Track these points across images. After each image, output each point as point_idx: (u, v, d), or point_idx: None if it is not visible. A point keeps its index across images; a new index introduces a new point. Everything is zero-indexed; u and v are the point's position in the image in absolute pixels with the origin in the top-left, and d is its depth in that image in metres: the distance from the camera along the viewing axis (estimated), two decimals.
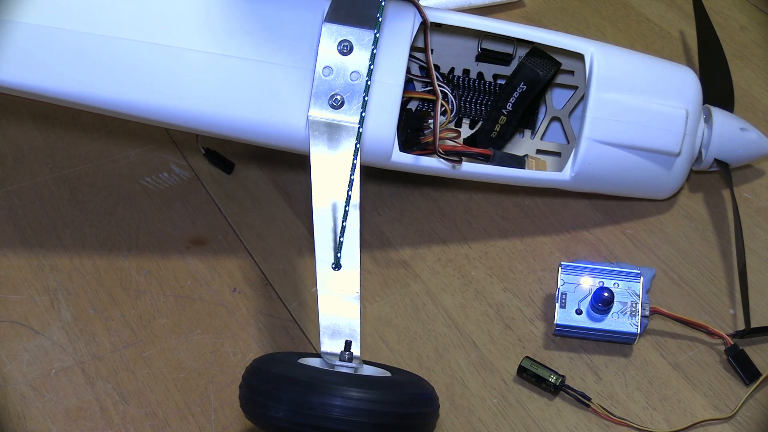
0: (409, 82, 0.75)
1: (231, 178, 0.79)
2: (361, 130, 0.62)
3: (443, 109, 0.73)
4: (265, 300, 0.71)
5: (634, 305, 0.67)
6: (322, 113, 0.65)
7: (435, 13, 0.70)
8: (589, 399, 0.65)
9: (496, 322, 0.70)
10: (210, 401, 0.65)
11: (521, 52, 0.76)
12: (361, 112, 0.62)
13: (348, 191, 0.61)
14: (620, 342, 0.68)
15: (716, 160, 0.75)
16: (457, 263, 0.74)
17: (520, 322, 0.70)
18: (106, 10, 0.64)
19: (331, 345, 0.59)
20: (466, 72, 0.78)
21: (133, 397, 0.65)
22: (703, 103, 0.75)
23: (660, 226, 0.76)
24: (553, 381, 0.65)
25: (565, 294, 0.68)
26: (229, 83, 0.65)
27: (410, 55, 0.67)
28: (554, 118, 0.79)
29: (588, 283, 0.68)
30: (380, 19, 0.61)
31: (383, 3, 0.60)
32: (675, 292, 0.72)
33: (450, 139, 0.75)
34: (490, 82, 0.78)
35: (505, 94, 0.75)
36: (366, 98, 0.62)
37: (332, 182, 0.63)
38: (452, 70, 0.78)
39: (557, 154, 0.79)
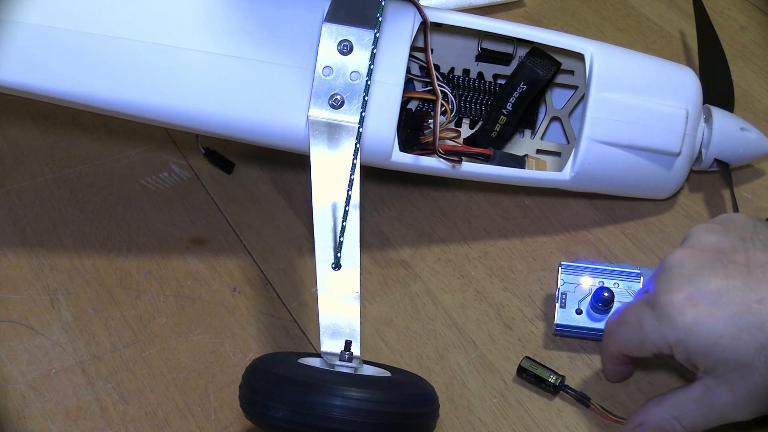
0: (409, 82, 0.75)
1: (231, 178, 0.79)
2: (361, 130, 0.62)
3: (443, 109, 0.73)
4: (265, 300, 0.71)
5: None
6: (322, 113, 0.65)
7: (435, 13, 0.70)
8: (588, 399, 0.65)
9: (496, 322, 0.70)
10: (210, 401, 0.65)
11: (521, 52, 0.76)
12: (361, 112, 0.62)
13: (348, 191, 0.61)
14: None
15: (716, 160, 0.75)
16: (457, 263, 0.74)
17: (520, 322, 0.70)
18: (106, 10, 0.64)
19: (331, 345, 0.59)
20: (466, 72, 0.78)
21: (133, 397, 0.65)
22: (703, 103, 0.75)
23: (660, 226, 0.76)
24: (552, 381, 0.65)
25: (565, 294, 0.68)
26: (229, 83, 0.65)
27: (410, 55, 0.67)
28: (554, 118, 0.79)
29: (588, 283, 0.68)
30: (380, 19, 0.61)
31: (383, 3, 0.60)
32: None
33: (450, 139, 0.75)
34: (490, 82, 0.78)
35: (505, 94, 0.75)
36: (366, 98, 0.62)
37: (332, 182, 0.63)
38: (452, 70, 0.78)
39: (557, 154, 0.79)
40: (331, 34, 0.64)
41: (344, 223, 0.61)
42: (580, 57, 0.72)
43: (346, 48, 0.64)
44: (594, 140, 0.71)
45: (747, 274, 0.55)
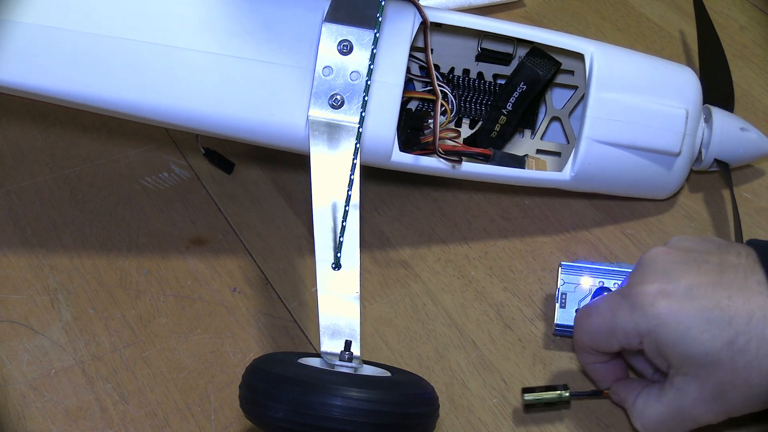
0: (409, 82, 0.75)
1: (231, 178, 0.79)
2: (361, 130, 0.62)
3: (443, 109, 0.73)
4: (265, 300, 0.71)
5: None
6: (322, 113, 0.65)
7: (435, 13, 0.70)
8: (600, 391, 0.64)
9: (496, 322, 0.70)
10: (210, 401, 0.65)
11: (521, 52, 0.76)
12: (361, 112, 0.62)
13: (348, 191, 0.61)
14: None
15: (716, 160, 0.75)
16: (457, 263, 0.74)
17: (520, 322, 0.70)
18: (106, 10, 0.64)
19: (331, 345, 0.59)
20: (466, 72, 0.78)
21: (133, 397, 0.65)
22: (703, 103, 0.75)
23: (660, 226, 0.76)
24: (565, 396, 0.63)
25: (565, 294, 0.68)
26: (229, 83, 0.65)
27: (410, 55, 0.67)
28: (554, 118, 0.79)
29: (588, 283, 0.68)
30: (380, 19, 0.61)
31: (383, 3, 0.60)
32: None
33: (450, 139, 0.75)
34: (490, 82, 0.78)
35: (505, 94, 0.75)
36: (366, 98, 0.62)
37: (332, 182, 0.63)
38: (452, 70, 0.78)
39: (557, 154, 0.79)
40: (331, 34, 0.64)
41: (344, 223, 0.61)
42: (580, 57, 0.72)
43: (346, 48, 0.64)
44: (594, 140, 0.71)
45: (719, 272, 0.56)
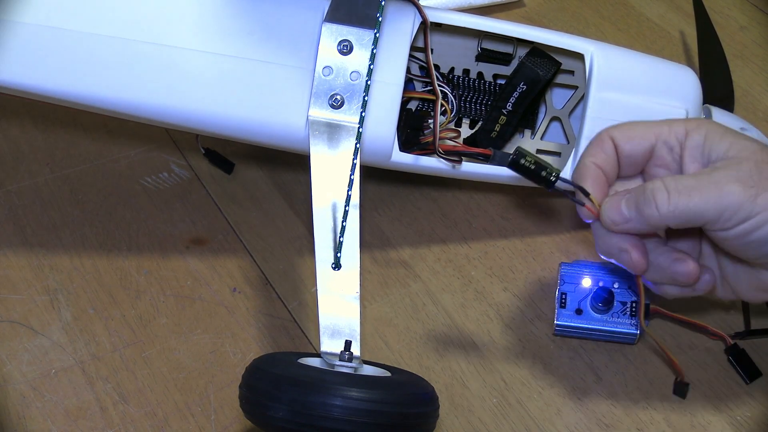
0: (409, 82, 0.75)
1: (231, 178, 0.79)
2: (361, 130, 0.62)
3: (443, 109, 0.73)
4: (265, 300, 0.71)
5: (634, 305, 0.67)
6: (322, 113, 0.65)
7: (435, 13, 0.70)
8: (586, 191, 0.58)
9: (496, 322, 0.70)
10: (210, 401, 0.65)
11: (521, 52, 0.76)
12: (361, 112, 0.62)
13: (348, 191, 0.61)
14: (620, 342, 0.68)
15: None
16: (457, 263, 0.74)
17: (520, 322, 0.70)
18: (107, 10, 0.64)
19: (331, 345, 0.59)
20: (466, 72, 0.78)
21: (133, 397, 0.65)
22: (703, 103, 0.75)
23: None
24: (554, 172, 0.58)
25: (565, 294, 0.68)
26: (229, 83, 0.65)
27: (410, 55, 0.67)
28: (554, 118, 0.79)
29: (588, 283, 0.68)
30: (380, 19, 0.61)
31: (383, 3, 0.60)
32: None
33: (450, 139, 0.75)
34: (490, 82, 0.78)
35: (505, 94, 0.75)
36: (366, 98, 0.62)
37: (332, 182, 0.63)
38: (452, 70, 0.78)
39: (557, 154, 0.79)
40: (331, 34, 0.64)
41: (344, 223, 0.61)
42: (580, 57, 0.72)
43: (346, 48, 0.64)
44: None
45: None
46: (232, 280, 0.72)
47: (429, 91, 0.73)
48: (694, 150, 0.57)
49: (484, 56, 0.77)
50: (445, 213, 0.77)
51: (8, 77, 0.63)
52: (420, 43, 0.70)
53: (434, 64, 0.75)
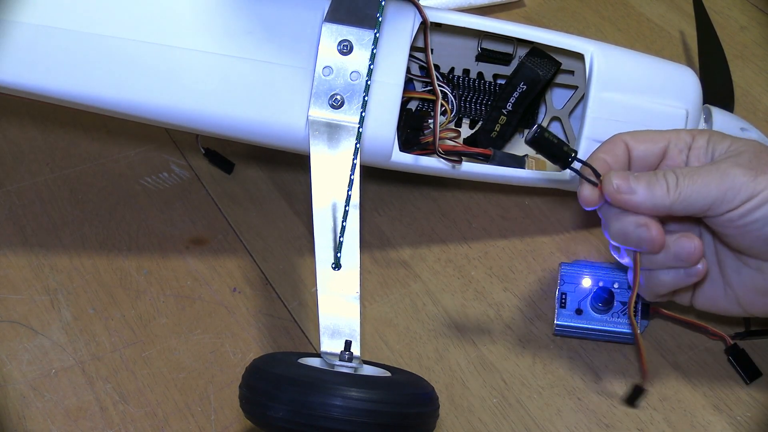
0: (409, 82, 0.75)
1: (231, 178, 0.79)
2: (361, 130, 0.62)
3: (443, 109, 0.73)
4: (265, 300, 0.71)
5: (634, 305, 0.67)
6: (322, 113, 0.65)
7: (435, 13, 0.70)
8: (598, 176, 0.60)
9: (496, 322, 0.70)
10: (210, 401, 0.65)
11: (521, 52, 0.76)
12: (361, 112, 0.62)
13: (348, 191, 0.61)
14: (620, 342, 0.68)
15: None
16: (457, 263, 0.74)
17: (520, 322, 0.70)
18: (106, 10, 0.64)
19: (331, 345, 0.59)
20: (466, 72, 0.78)
21: (133, 397, 0.65)
22: (703, 103, 0.75)
23: None
24: (572, 152, 0.59)
25: (565, 294, 0.68)
26: (229, 83, 0.65)
27: (410, 55, 0.67)
28: (554, 118, 0.79)
29: (588, 283, 0.68)
30: (380, 19, 0.61)
31: (383, 3, 0.60)
32: None
33: (450, 139, 0.75)
34: (490, 82, 0.78)
35: (505, 94, 0.75)
36: (366, 98, 0.62)
37: (332, 182, 0.63)
38: (452, 70, 0.78)
39: None
40: (331, 34, 0.64)
41: (344, 223, 0.61)
42: (580, 57, 0.72)
43: (346, 48, 0.64)
44: (594, 140, 0.71)
45: None
46: (232, 280, 0.72)
47: (429, 91, 0.74)
48: (699, 150, 0.61)
49: (484, 56, 0.77)
50: (444, 213, 0.77)
51: (8, 77, 0.63)
52: (420, 43, 0.70)
53: (434, 64, 0.75)
